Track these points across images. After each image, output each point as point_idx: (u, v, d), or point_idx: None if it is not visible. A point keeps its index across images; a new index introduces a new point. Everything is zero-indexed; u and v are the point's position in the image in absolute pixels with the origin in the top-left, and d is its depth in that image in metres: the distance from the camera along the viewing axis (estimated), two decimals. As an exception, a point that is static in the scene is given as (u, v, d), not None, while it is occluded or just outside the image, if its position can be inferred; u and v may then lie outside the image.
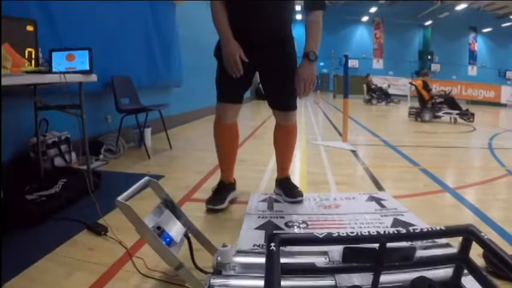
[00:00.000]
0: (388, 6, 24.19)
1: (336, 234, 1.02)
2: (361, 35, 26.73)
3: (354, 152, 4.33)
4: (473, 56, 27.03)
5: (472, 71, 26.82)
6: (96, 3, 3.71)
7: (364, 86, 16.37)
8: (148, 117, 4.35)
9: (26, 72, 2.26)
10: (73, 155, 3.33)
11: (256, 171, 3.28)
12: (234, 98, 2.26)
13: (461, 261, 1.12)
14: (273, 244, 0.96)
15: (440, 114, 8.72)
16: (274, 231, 1.14)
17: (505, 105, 19.60)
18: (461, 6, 22.39)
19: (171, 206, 1.48)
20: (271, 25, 2.11)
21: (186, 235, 1.44)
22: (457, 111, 8.64)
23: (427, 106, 8.87)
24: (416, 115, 8.97)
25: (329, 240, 1.03)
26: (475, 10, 24.40)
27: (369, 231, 1.03)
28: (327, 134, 6.05)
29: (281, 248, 1.00)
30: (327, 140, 5.21)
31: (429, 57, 26.75)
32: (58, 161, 3.19)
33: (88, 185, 2.43)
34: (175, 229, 1.39)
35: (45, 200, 2.34)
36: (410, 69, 24.52)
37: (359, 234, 1.03)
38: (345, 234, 1.02)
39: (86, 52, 2.52)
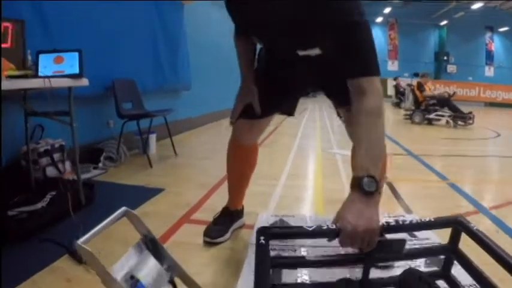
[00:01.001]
0: (403, 7, 23.73)
1: (326, 227, 1.01)
2: (376, 36, 23.92)
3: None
4: (490, 56, 26.34)
5: (489, 71, 26.14)
6: (97, 2, 3.46)
7: (393, 88, 16.24)
8: (154, 122, 4.09)
9: (10, 76, 2.01)
10: (67, 164, 3.07)
11: (265, 185, 2.95)
12: (255, 112, 1.76)
13: (450, 252, 1.13)
14: (262, 238, 0.96)
15: (431, 116, 8.55)
16: (263, 226, 1.11)
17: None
18: (477, 5, 21.84)
19: (152, 246, 1.17)
20: (322, 77, 1.70)
21: (171, 281, 1.14)
22: (450, 114, 8.46)
23: (420, 108, 8.75)
24: (411, 116, 8.87)
25: (318, 233, 1.01)
26: (491, 9, 23.80)
27: None
28: (343, 140, 5.64)
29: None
30: (344, 148, 4.86)
31: (445, 58, 26.17)
32: (50, 171, 2.94)
33: (69, 204, 2.15)
34: (156, 276, 1.09)
35: (26, 217, 2.10)
36: (426, 70, 24.03)
37: None
38: (334, 227, 1.01)
39: (76, 54, 2.25)
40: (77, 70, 2.23)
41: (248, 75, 1.76)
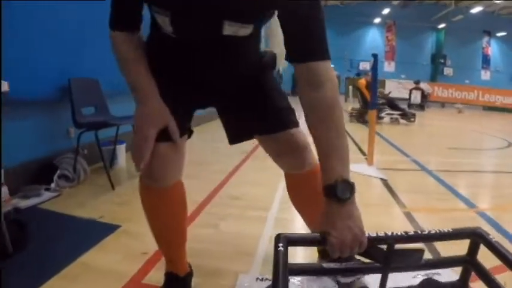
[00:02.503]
0: (401, 9, 23.38)
1: None
2: (373, 37, 25.98)
3: (384, 181, 3.35)
4: (486, 60, 26.45)
5: (485, 75, 26.26)
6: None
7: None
8: (126, 128, 3.42)
9: None
10: (4, 189, 2.40)
11: (252, 219, 2.29)
12: (180, 129, 1.21)
13: (468, 264, 1.09)
14: (280, 244, 0.91)
15: (382, 115, 8.95)
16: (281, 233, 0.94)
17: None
18: (476, 10, 21.65)
19: None
20: (235, 70, 1.28)
21: None
22: (399, 112, 9.11)
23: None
24: (358, 116, 8.96)
25: None
26: (489, 14, 23.68)
27: (376, 232, 0.98)
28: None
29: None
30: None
31: (442, 60, 26.21)
32: (-23, 199, 2.27)
33: None
34: None
35: None
36: (423, 72, 23.87)
37: (367, 235, 0.95)
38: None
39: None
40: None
41: (151, 88, 1.16)
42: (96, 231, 2.08)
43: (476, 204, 2.82)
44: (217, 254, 1.69)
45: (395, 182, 3.31)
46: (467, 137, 7.99)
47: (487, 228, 2.22)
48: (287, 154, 1.34)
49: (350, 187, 0.94)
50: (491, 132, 8.63)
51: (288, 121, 1.32)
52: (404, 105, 14.71)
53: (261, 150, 1.50)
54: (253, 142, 1.46)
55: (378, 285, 1.05)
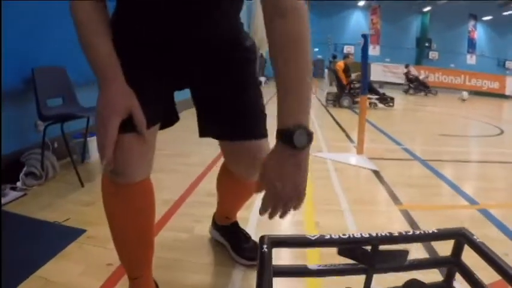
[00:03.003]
0: (386, -9, 23.22)
1: (328, 237, 0.97)
2: (357, 20, 25.86)
3: (376, 172, 3.14)
4: (472, 45, 26.52)
5: (471, 59, 26.37)
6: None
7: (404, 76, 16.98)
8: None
9: None
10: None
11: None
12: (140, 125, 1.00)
13: (453, 264, 1.09)
14: (265, 246, 0.91)
15: (359, 99, 8.65)
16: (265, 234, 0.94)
17: (507, 97, 18.74)
18: (462, -7, 21.62)
19: None
20: (208, 37, 1.11)
21: None
22: (377, 96, 8.85)
23: (345, 91, 8.63)
24: (335, 101, 8.84)
25: (321, 242, 0.98)
26: (476, -3, 23.64)
27: (361, 234, 0.97)
28: (332, 138, 4.81)
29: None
30: (334, 148, 4.06)
31: (427, 44, 26.26)
32: None
33: None
34: None
35: None
36: (408, 56, 23.84)
37: (351, 236, 0.97)
38: (337, 237, 0.97)
39: None
40: None
41: (112, 69, 0.97)
42: (60, 237, 1.86)
43: (476, 199, 2.63)
44: (191, 264, 1.49)
45: (388, 174, 3.12)
46: (457, 123, 7.89)
47: (492, 229, 2.07)
48: (247, 165, 1.26)
49: (308, 136, 0.86)
50: (481, 118, 8.54)
51: (259, 130, 1.24)
52: (397, 90, 14.82)
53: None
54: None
55: (363, 286, 1.04)
